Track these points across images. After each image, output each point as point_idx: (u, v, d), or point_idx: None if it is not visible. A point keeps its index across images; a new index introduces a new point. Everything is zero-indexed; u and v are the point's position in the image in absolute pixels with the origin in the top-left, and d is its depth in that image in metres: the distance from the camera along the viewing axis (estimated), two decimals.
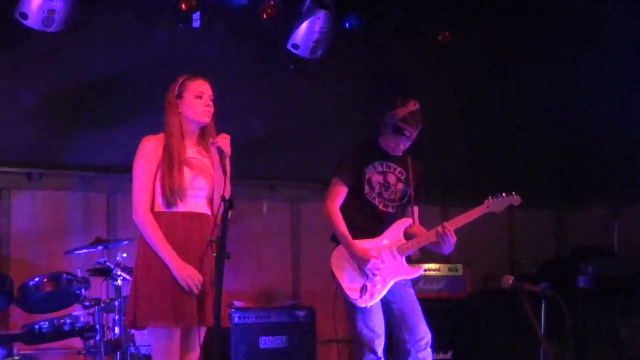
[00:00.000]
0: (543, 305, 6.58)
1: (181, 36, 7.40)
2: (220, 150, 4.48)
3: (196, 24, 7.26)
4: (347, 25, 7.75)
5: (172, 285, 4.41)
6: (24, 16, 6.52)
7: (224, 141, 4.48)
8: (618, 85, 8.30)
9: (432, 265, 7.75)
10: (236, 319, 6.82)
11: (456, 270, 7.86)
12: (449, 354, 7.57)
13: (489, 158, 8.86)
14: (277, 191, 8.19)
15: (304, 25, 7.42)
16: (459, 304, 7.78)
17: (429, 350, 5.55)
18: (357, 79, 8.20)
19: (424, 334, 5.54)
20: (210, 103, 4.62)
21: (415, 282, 7.49)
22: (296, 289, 8.12)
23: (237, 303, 7.13)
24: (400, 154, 5.68)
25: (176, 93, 4.60)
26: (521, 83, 8.83)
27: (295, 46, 7.49)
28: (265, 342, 6.90)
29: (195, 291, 4.42)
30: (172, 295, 4.41)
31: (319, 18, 7.42)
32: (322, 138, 7.95)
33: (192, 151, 4.63)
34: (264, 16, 7.37)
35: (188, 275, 4.42)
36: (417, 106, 5.54)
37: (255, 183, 7.94)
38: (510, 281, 5.46)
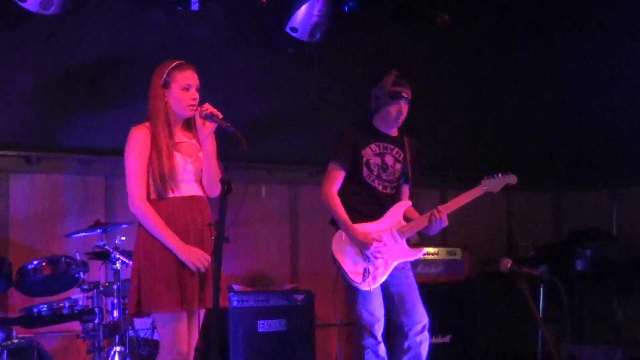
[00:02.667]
0: (541, 288, 6.60)
1: (179, 19, 7.37)
2: (211, 116, 4.48)
3: (195, 6, 7.22)
4: (345, 8, 7.72)
5: (176, 270, 4.43)
6: None
7: (208, 107, 4.49)
8: (618, 68, 8.28)
9: (431, 249, 7.77)
10: (234, 303, 6.82)
11: (455, 254, 7.88)
12: (447, 338, 7.59)
13: (488, 141, 8.86)
14: (275, 174, 8.19)
15: (302, 9, 7.37)
16: (458, 288, 7.80)
17: (426, 333, 5.57)
18: (356, 62, 8.17)
19: (422, 317, 5.56)
20: (196, 95, 4.58)
21: (413, 265, 7.52)
22: (294, 272, 8.14)
23: (235, 287, 7.13)
24: (396, 134, 5.71)
25: (162, 82, 4.58)
26: (520, 66, 8.80)
27: (293, 29, 7.46)
28: (264, 325, 6.91)
29: (203, 270, 4.44)
30: (176, 279, 4.42)
31: (317, 1, 7.39)
32: (320, 121, 7.94)
33: (180, 135, 4.63)
34: None
35: (196, 257, 4.43)
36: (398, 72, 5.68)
37: (252, 166, 7.92)
38: (509, 264, 5.47)
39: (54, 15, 6.62)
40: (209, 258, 4.43)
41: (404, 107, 5.63)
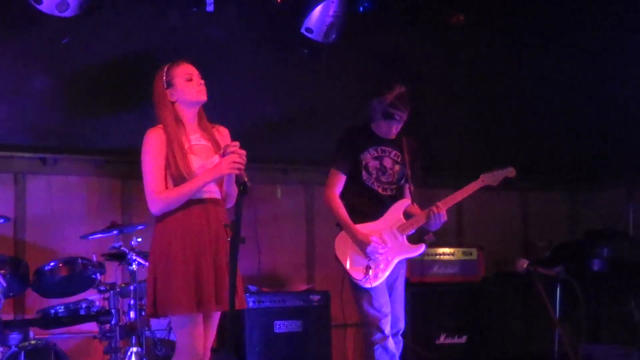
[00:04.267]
0: (558, 288, 6.58)
1: (195, 20, 7.38)
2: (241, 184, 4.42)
3: (210, 7, 7.23)
4: (360, 8, 7.72)
5: (193, 271, 4.43)
6: (38, 0, 6.52)
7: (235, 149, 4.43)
8: (635, 67, 8.25)
9: (447, 250, 7.76)
10: (251, 304, 6.83)
11: (470, 254, 7.86)
12: (463, 338, 7.58)
13: (503, 140, 8.83)
14: (290, 175, 8.20)
15: (318, 9, 7.37)
16: (474, 288, 7.78)
17: (399, 338, 5.72)
18: (370, 62, 8.17)
19: (399, 322, 5.72)
20: (202, 82, 4.61)
21: (429, 266, 7.57)
22: (310, 272, 8.14)
23: (251, 287, 7.14)
24: (394, 137, 5.75)
25: (165, 84, 4.59)
26: (534, 65, 8.78)
27: (309, 30, 7.46)
28: (280, 326, 6.91)
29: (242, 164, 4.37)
30: (193, 280, 4.42)
31: (333, 2, 7.38)
32: (335, 121, 7.92)
33: (195, 137, 4.63)
34: (278, 0, 7.35)
35: (223, 165, 4.39)
36: (403, 88, 5.66)
37: (268, 167, 7.94)
38: (525, 265, 5.48)
39: (71, 17, 6.65)
40: (236, 156, 4.38)
41: (395, 128, 5.73)
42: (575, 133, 8.95)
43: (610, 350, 7.54)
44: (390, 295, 5.67)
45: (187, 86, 4.58)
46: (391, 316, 5.63)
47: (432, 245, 7.30)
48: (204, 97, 4.60)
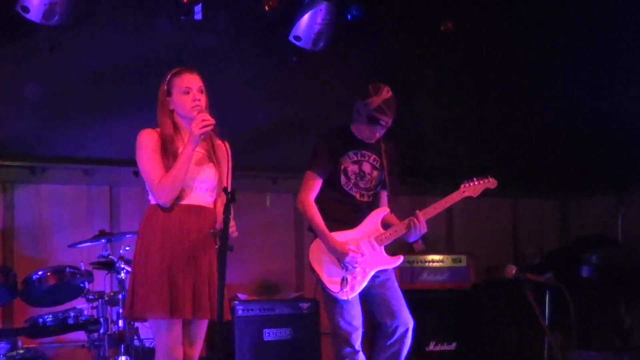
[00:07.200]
0: (547, 295, 6.58)
1: (183, 28, 7.39)
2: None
3: (198, 16, 7.24)
4: (349, 16, 7.73)
5: (168, 278, 4.42)
6: (26, 9, 6.51)
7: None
8: (623, 74, 8.27)
9: (436, 257, 7.75)
10: (240, 312, 6.82)
11: (460, 261, 7.85)
12: (453, 345, 7.57)
13: (493, 148, 8.84)
14: (280, 183, 8.19)
15: (305, 17, 7.39)
16: (463, 295, 7.77)
17: (410, 336, 5.47)
18: (359, 70, 8.18)
19: (408, 321, 5.47)
20: (200, 96, 4.57)
21: (419, 273, 7.53)
22: (300, 280, 8.12)
23: (240, 296, 7.13)
24: (374, 141, 5.57)
25: (166, 91, 4.59)
26: (525, 73, 8.80)
27: (297, 38, 7.48)
28: (269, 334, 6.90)
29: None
30: (168, 287, 4.41)
31: (320, 10, 7.40)
32: (324, 130, 7.93)
33: None
34: (266, 8, 7.35)
35: (196, 125, 4.43)
36: (391, 93, 5.43)
37: (257, 175, 7.94)
38: (514, 271, 5.48)
39: (58, 26, 6.65)
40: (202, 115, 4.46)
41: (379, 133, 5.50)
42: (566, 140, 8.97)
43: (602, 356, 7.53)
44: (390, 295, 5.46)
45: (182, 100, 4.56)
46: (399, 315, 5.42)
47: (421, 252, 7.31)
48: (195, 114, 4.57)
